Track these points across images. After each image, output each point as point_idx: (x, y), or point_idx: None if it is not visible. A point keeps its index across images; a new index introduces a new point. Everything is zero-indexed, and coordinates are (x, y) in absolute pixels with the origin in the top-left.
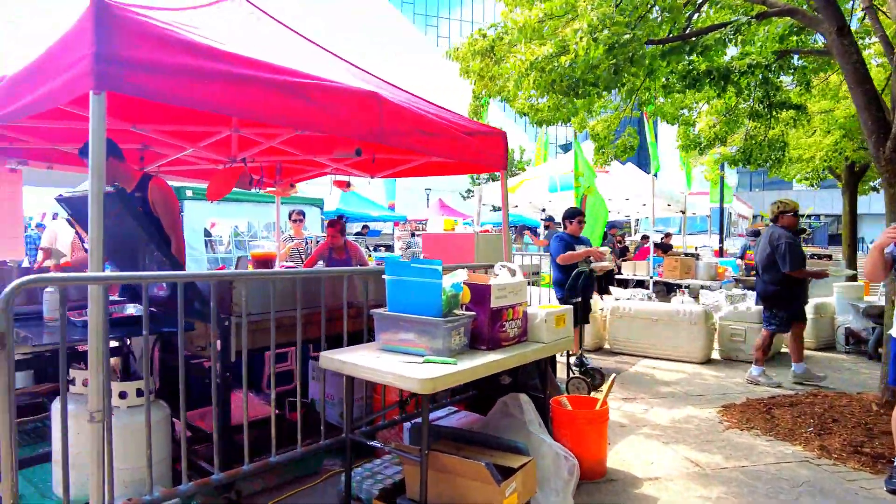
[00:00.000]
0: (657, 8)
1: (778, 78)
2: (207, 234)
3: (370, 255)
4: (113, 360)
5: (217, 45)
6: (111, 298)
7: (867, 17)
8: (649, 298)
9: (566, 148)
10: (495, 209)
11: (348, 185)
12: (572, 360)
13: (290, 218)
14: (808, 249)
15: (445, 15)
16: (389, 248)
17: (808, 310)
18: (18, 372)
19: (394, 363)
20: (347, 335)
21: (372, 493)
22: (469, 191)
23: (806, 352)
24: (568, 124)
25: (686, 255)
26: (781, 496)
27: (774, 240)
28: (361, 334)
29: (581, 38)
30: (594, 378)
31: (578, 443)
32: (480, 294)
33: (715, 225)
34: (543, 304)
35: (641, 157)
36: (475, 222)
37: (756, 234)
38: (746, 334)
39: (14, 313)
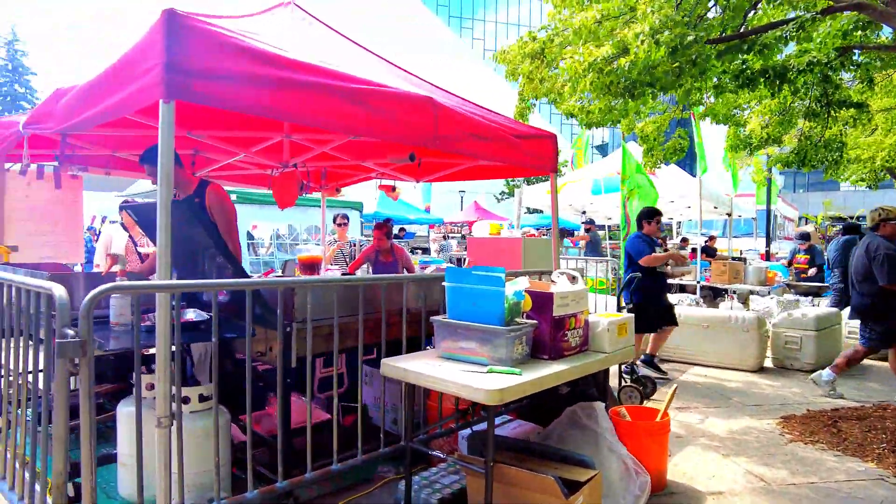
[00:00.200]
0: (717, 7)
1: (838, 76)
2: (250, 236)
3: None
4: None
5: (281, 53)
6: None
7: None
8: (697, 304)
9: (602, 149)
10: (530, 211)
11: (393, 188)
12: (623, 367)
13: (334, 222)
14: None
15: (480, 17)
16: (426, 250)
17: None
18: None
19: (457, 372)
20: (392, 343)
21: (430, 502)
22: (503, 192)
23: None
24: (615, 126)
25: (733, 259)
26: None
27: (872, 250)
28: (416, 340)
29: (642, 41)
30: (646, 387)
31: (639, 455)
32: (543, 302)
33: (760, 228)
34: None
35: (684, 159)
36: (515, 225)
37: (805, 237)
38: (802, 342)
39: None
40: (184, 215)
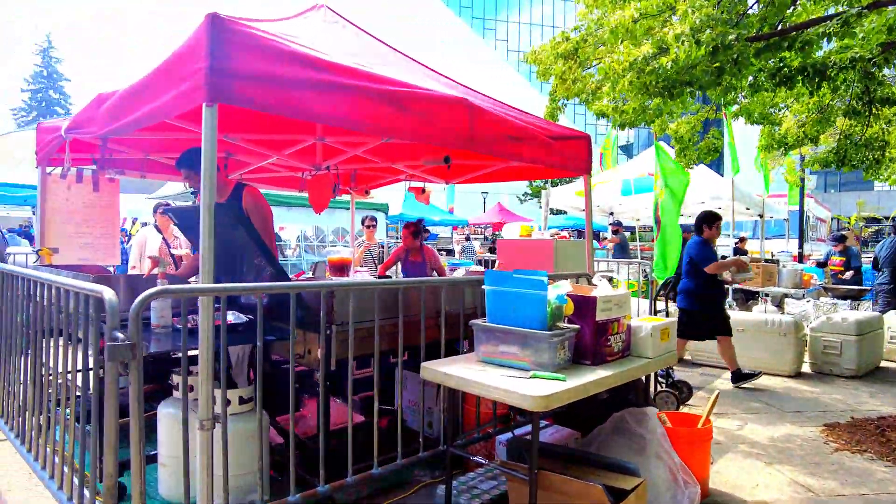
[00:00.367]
0: (758, 4)
1: (881, 72)
2: (278, 238)
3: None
4: None
5: (321, 55)
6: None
7: None
8: (729, 307)
9: (627, 150)
10: (553, 212)
11: (423, 190)
12: (658, 371)
13: (362, 223)
14: None
15: (503, 18)
16: (450, 252)
17: None
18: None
19: (501, 378)
20: (427, 345)
21: None
22: (526, 194)
23: None
24: (648, 126)
25: (766, 261)
26: None
27: None
28: (449, 344)
29: (683, 41)
30: (681, 391)
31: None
32: (585, 306)
33: (792, 230)
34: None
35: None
36: (542, 227)
37: (841, 238)
38: (842, 347)
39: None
40: (225, 218)
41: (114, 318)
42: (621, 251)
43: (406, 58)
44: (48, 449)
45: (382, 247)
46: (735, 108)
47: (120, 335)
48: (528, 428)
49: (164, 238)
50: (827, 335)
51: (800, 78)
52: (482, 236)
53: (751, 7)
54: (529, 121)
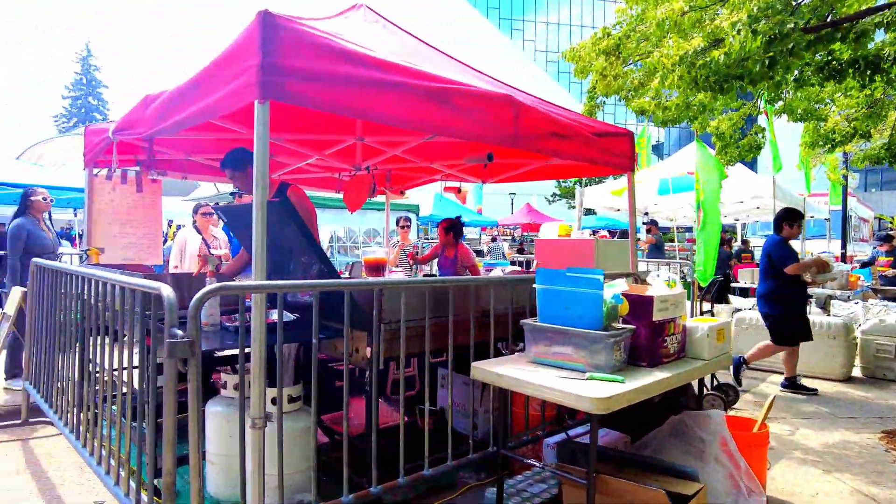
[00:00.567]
0: None
1: None
2: None
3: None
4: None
5: (370, 53)
6: (248, 304)
7: None
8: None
9: (657, 150)
10: (584, 213)
11: (459, 190)
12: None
13: (397, 224)
14: None
15: (530, 18)
16: (479, 252)
17: None
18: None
19: (557, 379)
20: (476, 344)
21: None
22: (554, 194)
23: None
24: (689, 123)
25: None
26: None
27: None
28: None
29: (739, 30)
30: (727, 394)
31: None
32: (641, 306)
33: (834, 230)
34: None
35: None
36: (577, 227)
37: (887, 238)
38: None
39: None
40: (275, 216)
41: (172, 315)
42: (656, 251)
43: (446, 56)
44: (102, 447)
45: (416, 247)
46: (778, 104)
47: (179, 332)
48: (576, 430)
49: (203, 238)
50: (880, 338)
51: (850, 71)
52: (510, 237)
53: None
54: (573, 117)
